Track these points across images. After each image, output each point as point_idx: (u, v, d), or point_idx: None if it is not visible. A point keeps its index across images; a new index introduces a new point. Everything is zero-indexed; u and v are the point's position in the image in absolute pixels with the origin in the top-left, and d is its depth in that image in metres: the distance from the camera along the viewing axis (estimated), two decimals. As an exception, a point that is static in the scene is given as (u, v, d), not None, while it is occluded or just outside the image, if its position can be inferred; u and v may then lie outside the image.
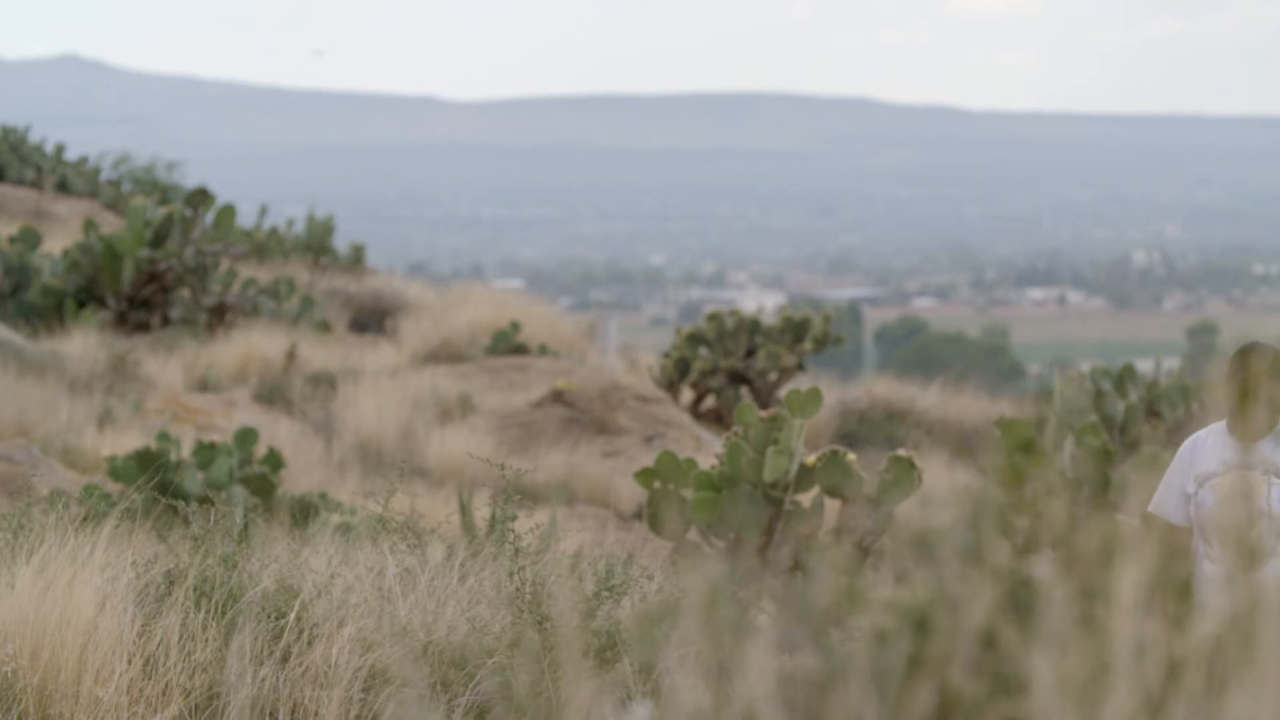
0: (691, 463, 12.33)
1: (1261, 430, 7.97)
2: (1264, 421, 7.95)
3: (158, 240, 25.82)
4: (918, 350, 76.30)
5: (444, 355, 25.68)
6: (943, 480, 19.66)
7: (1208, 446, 8.06)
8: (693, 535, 11.99)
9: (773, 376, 27.27)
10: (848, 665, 2.54)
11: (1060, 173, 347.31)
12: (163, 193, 39.24)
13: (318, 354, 24.95)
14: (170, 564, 7.43)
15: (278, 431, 19.76)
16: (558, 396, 22.72)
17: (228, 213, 26.80)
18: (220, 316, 26.17)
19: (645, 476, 12.17)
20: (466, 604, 7.66)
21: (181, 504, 8.23)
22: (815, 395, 12.01)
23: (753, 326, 27.51)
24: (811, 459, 11.99)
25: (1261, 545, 7.57)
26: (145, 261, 25.67)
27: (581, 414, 22.35)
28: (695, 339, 27.55)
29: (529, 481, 18.15)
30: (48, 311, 25.67)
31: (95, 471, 16.76)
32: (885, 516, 11.80)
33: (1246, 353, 7.89)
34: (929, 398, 27.82)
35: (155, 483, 13.85)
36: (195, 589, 7.18)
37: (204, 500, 13.42)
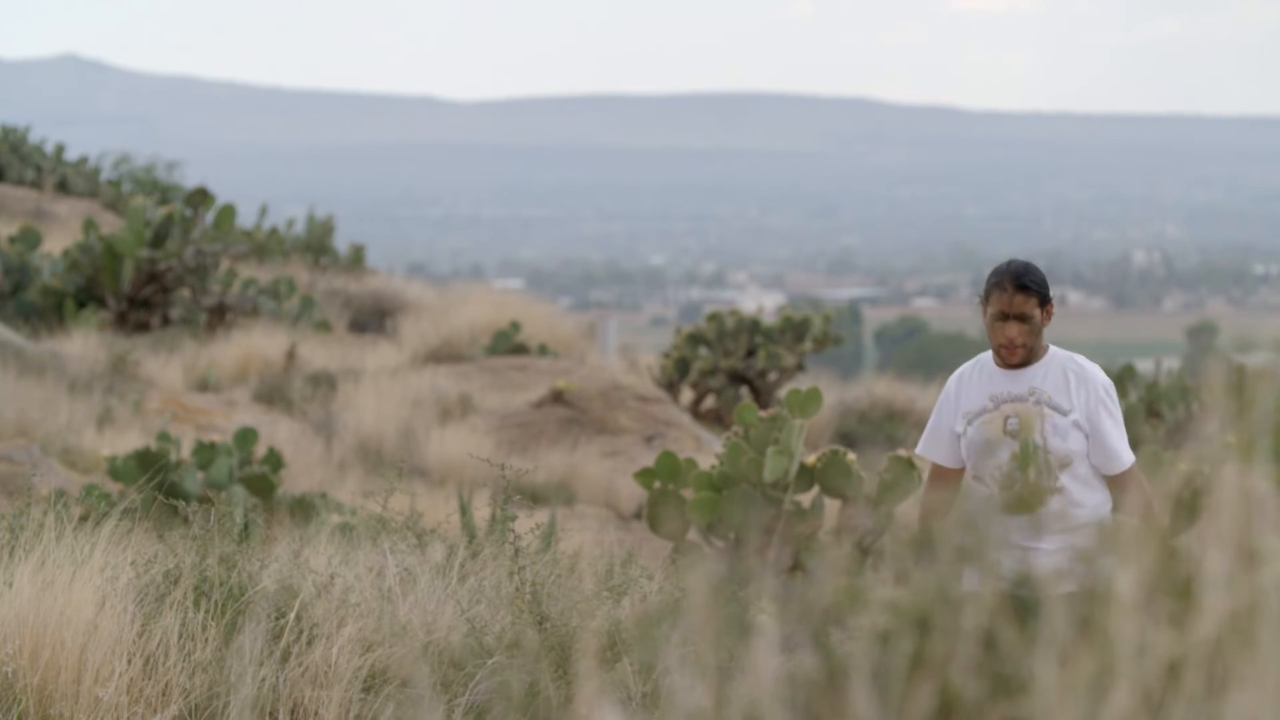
0: (691, 463, 12.33)
1: (1030, 358, 7.38)
2: (1033, 349, 7.36)
3: (158, 240, 25.81)
4: (918, 350, 76.23)
5: (444, 355, 25.67)
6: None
7: (974, 381, 7.48)
8: (693, 535, 11.99)
9: (773, 376, 27.27)
10: (848, 665, 2.54)
11: (1060, 173, 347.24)
12: (163, 193, 39.25)
13: (318, 354, 24.95)
14: (170, 564, 7.43)
15: (278, 431, 19.76)
16: (558, 396, 22.71)
17: (228, 213, 26.80)
18: (220, 316, 26.17)
19: (645, 476, 12.17)
20: (466, 604, 7.66)
21: (181, 504, 8.23)
22: (815, 395, 12.00)
23: (753, 326, 27.51)
24: (811, 459, 11.99)
25: (1039, 483, 7.29)
26: (145, 261, 25.67)
27: (581, 414, 22.34)
28: (695, 339, 27.55)
29: (529, 481, 18.16)
30: (48, 311, 25.66)
31: (95, 471, 16.75)
32: (885, 516, 11.79)
33: (1013, 273, 7.30)
34: (929, 398, 27.81)
35: (155, 483, 13.85)
36: (195, 589, 7.18)
37: (204, 500, 13.42)
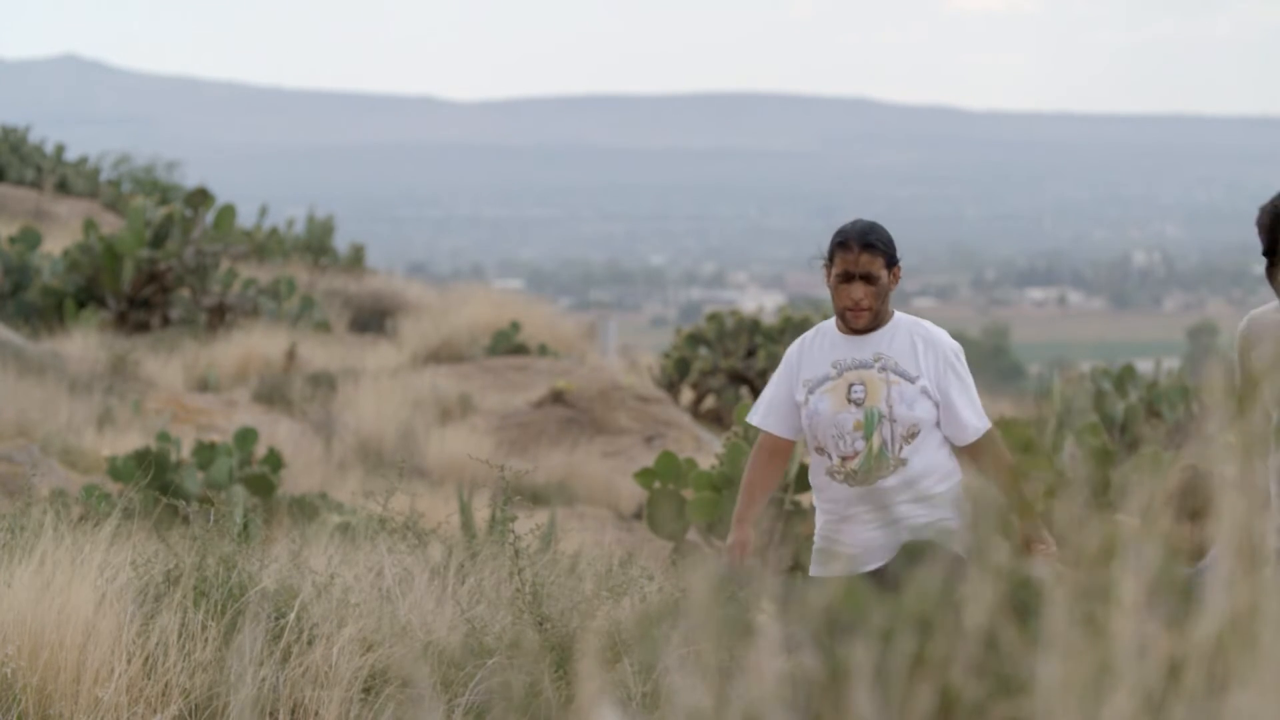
0: (691, 463, 12.33)
1: (875, 323, 6.98)
2: (879, 313, 6.96)
3: (158, 240, 25.81)
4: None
5: (444, 355, 25.67)
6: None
7: (817, 348, 7.06)
8: (693, 535, 11.99)
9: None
10: (848, 665, 2.54)
11: (1060, 173, 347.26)
12: (163, 193, 39.23)
13: (318, 354, 24.95)
14: (170, 563, 7.43)
15: (278, 431, 19.76)
16: (557, 396, 22.71)
17: (228, 213, 26.79)
18: (220, 316, 26.17)
19: (645, 476, 12.17)
20: (466, 604, 7.66)
21: (181, 504, 8.23)
22: (815, 395, 12.00)
23: (753, 326, 27.51)
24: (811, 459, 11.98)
25: (884, 457, 7.01)
26: (145, 261, 25.67)
27: (581, 414, 22.34)
28: (695, 339, 27.55)
29: (529, 481, 18.16)
30: (48, 311, 25.66)
31: (95, 471, 16.75)
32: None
33: (858, 232, 6.94)
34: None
35: (155, 483, 13.85)
36: (195, 589, 7.17)
37: (204, 500, 13.41)
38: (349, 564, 8.13)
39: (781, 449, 7.16)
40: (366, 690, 7.03)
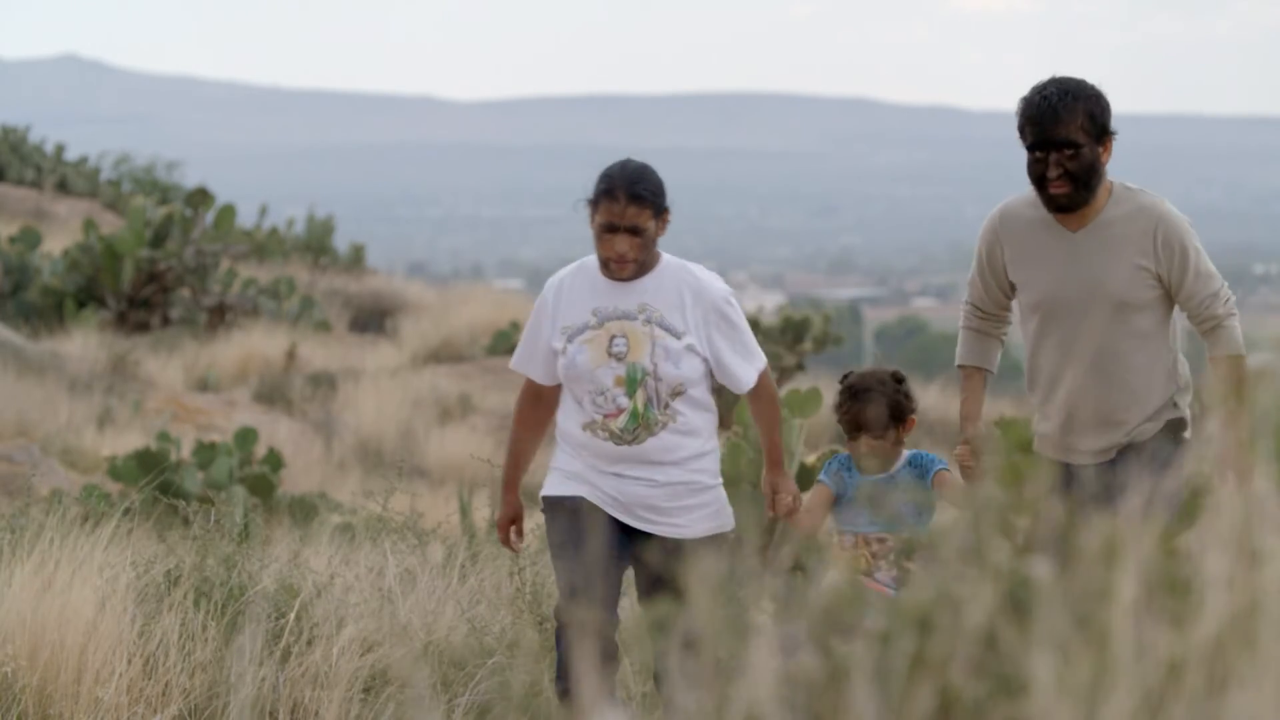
0: (691, 463, 12.30)
1: (641, 270, 6.52)
2: (645, 261, 6.51)
3: (158, 240, 25.81)
4: (918, 350, 76.19)
5: (444, 355, 25.67)
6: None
7: (577, 291, 6.53)
8: (693, 535, 11.99)
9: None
10: (848, 665, 2.54)
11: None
12: (163, 193, 39.24)
13: (318, 354, 24.95)
14: (170, 564, 7.43)
15: (278, 431, 19.76)
16: (558, 396, 22.67)
17: (228, 213, 26.80)
18: (220, 316, 26.17)
19: (645, 476, 12.15)
20: (466, 604, 7.66)
21: (181, 504, 8.23)
22: (815, 395, 12.01)
23: (753, 326, 27.47)
24: (811, 459, 11.99)
25: (650, 416, 6.46)
26: (145, 261, 25.67)
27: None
28: (695, 339, 27.54)
29: (529, 481, 18.14)
30: (48, 311, 25.66)
31: (95, 471, 16.75)
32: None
33: (626, 179, 6.46)
34: (929, 397, 27.81)
35: (155, 483, 13.85)
36: (195, 589, 7.17)
37: (204, 500, 13.41)
38: (349, 564, 8.13)
39: (547, 395, 6.68)
40: (367, 690, 7.03)
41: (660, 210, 6.49)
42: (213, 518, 7.81)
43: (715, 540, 6.64)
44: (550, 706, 6.32)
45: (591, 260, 6.55)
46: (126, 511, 8.43)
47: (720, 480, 6.68)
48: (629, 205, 6.39)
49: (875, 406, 6.71)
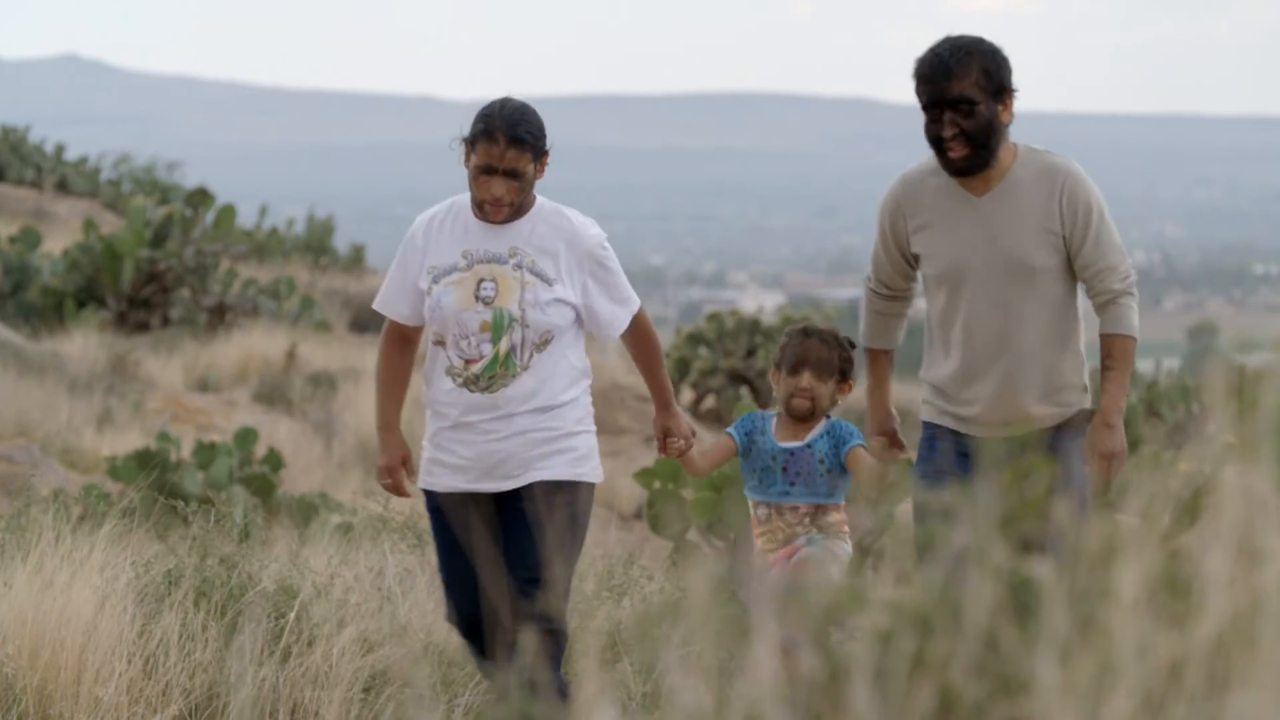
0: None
1: (513, 213, 6.28)
2: (521, 205, 6.28)
3: (158, 240, 25.81)
4: (918, 350, 76.12)
5: (444, 355, 25.65)
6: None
7: (446, 231, 6.35)
8: (693, 535, 11.99)
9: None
10: (848, 665, 2.54)
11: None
12: (163, 193, 39.24)
13: (318, 354, 24.94)
14: (170, 564, 7.43)
15: (278, 431, 19.76)
16: (558, 396, 22.70)
17: (228, 213, 26.80)
18: (220, 316, 26.17)
19: (645, 476, 12.16)
20: (466, 604, 7.66)
21: (181, 504, 8.23)
22: (815, 395, 12.00)
23: (753, 326, 27.50)
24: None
25: (510, 364, 6.24)
26: (145, 261, 25.67)
27: (581, 414, 22.34)
28: (695, 339, 27.55)
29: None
30: (48, 311, 25.66)
31: (95, 471, 16.75)
32: (885, 516, 11.80)
33: (507, 121, 6.18)
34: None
35: (155, 483, 13.85)
36: (195, 589, 7.17)
37: (204, 500, 13.41)
38: (349, 564, 8.13)
39: (413, 337, 6.53)
40: (367, 690, 7.03)
41: (540, 153, 6.23)
42: (213, 518, 7.81)
43: (570, 488, 6.33)
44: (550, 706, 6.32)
45: (464, 199, 6.35)
46: (126, 511, 8.42)
47: (591, 429, 6.41)
48: (509, 148, 6.16)
49: (828, 349, 6.69)
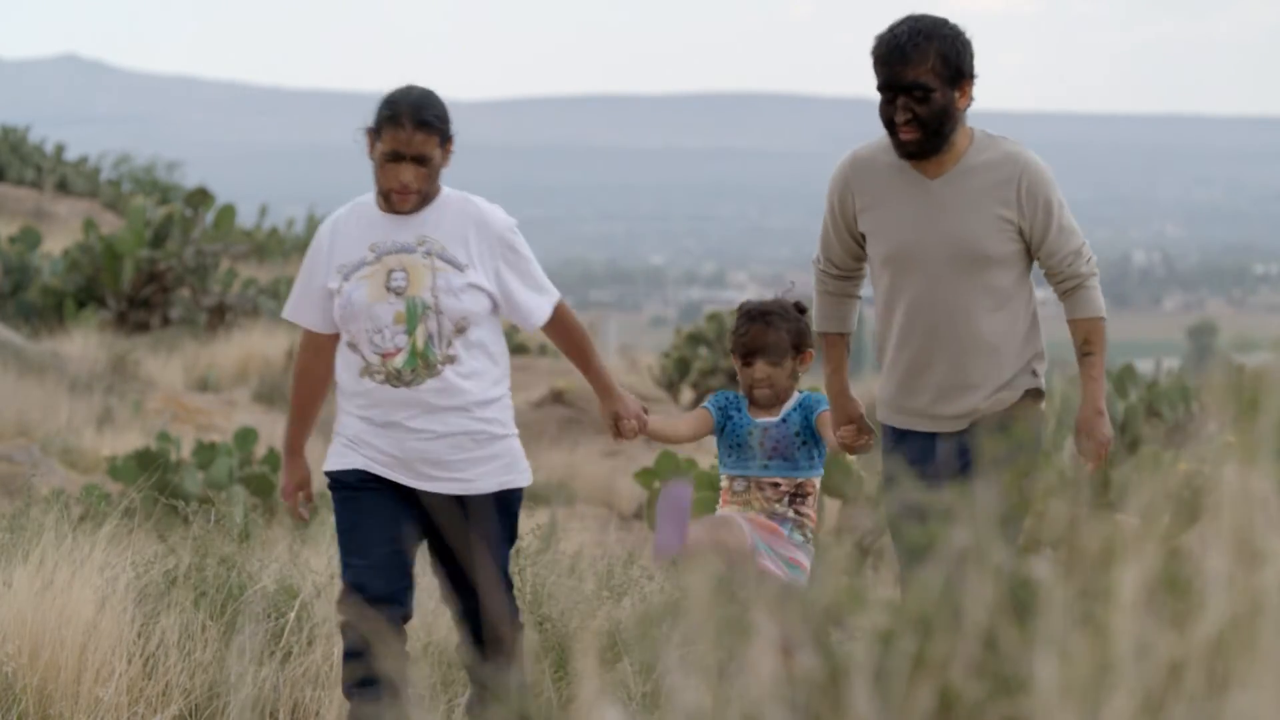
0: (691, 462, 12.32)
1: (420, 202, 6.20)
2: (427, 193, 6.21)
3: (158, 240, 25.82)
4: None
5: (444, 355, 25.65)
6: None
7: (352, 228, 6.26)
8: (693, 535, 11.97)
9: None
10: (848, 665, 2.54)
11: (1060, 173, 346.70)
12: (163, 193, 39.25)
13: (318, 354, 24.93)
14: (170, 564, 7.43)
15: (278, 431, 19.75)
16: (558, 396, 22.70)
17: (228, 213, 26.81)
18: (220, 316, 26.17)
19: (645, 476, 12.16)
20: (466, 604, 7.65)
21: (181, 504, 8.23)
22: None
23: (753, 326, 27.49)
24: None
25: (430, 354, 6.11)
26: (145, 261, 25.67)
27: (581, 414, 22.33)
28: (695, 339, 27.54)
29: (529, 481, 18.14)
30: (48, 311, 25.66)
31: (95, 471, 16.75)
32: (885, 517, 11.80)
33: (412, 106, 6.12)
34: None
35: (155, 483, 13.85)
36: (195, 589, 7.17)
37: (204, 500, 13.41)
38: (349, 564, 8.12)
39: (326, 346, 6.34)
40: (366, 690, 7.02)
41: (446, 138, 6.15)
42: (213, 518, 7.81)
43: (505, 497, 6.26)
44: (550, 706, 6.32)
45: (366, 198, 6.29)
46: (126, 512, 8.42)
47: (514, 431, 6.30)
48: (416, 132, 6.09)
49: (775, 331, 6.59)
